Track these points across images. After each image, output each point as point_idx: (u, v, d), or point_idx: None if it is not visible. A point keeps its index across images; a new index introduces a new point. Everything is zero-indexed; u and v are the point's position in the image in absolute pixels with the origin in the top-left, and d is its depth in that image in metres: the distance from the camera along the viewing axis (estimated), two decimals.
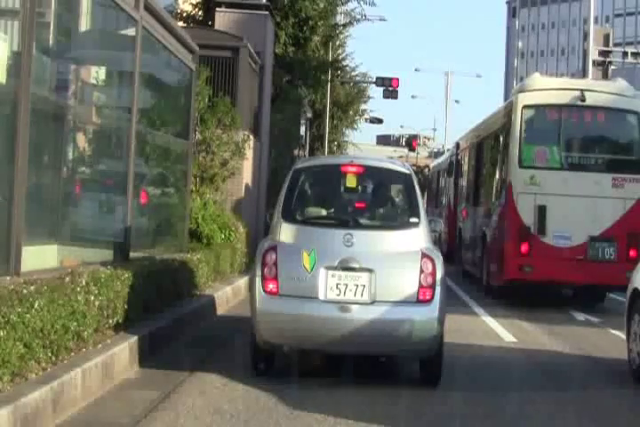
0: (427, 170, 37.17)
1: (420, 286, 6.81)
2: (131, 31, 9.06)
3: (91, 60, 9.17)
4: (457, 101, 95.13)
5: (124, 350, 6.85)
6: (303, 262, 6.83)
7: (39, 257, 7.18)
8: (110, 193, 9.47)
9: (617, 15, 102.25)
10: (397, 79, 32.78)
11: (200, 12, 20.49)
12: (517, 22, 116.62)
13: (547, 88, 13.97)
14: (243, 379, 6.97)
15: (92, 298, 6.54)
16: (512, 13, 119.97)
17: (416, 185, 7.62)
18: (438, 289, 6.85)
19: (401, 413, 6.29)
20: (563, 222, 13.20)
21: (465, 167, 20.70)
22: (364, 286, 6.79)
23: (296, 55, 21.38)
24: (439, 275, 6.90)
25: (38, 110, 6.81)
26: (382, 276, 6.81)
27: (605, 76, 25.63)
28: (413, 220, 7.34)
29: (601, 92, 13.81)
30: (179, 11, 21.08)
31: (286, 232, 7.19)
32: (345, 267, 6.82)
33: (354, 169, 7.63)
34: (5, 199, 6.29)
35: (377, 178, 8.00)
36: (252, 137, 16.32)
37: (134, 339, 7.17)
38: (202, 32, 16.19)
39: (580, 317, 12.83)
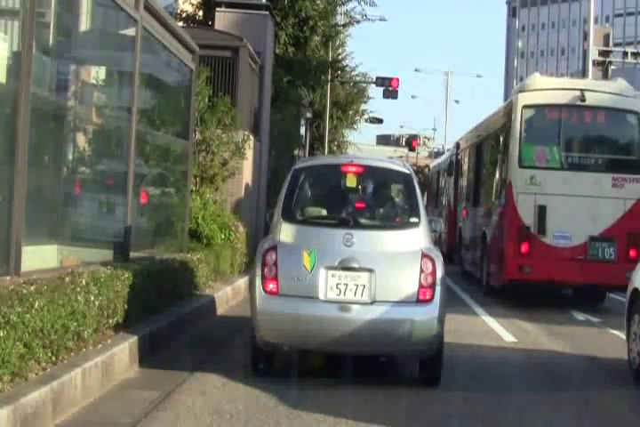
0: (427, 170, 37.18)
1: (420, 286, 6.81)
2: (131, 31, 9.06)
3: (91, 60, 9.17)
4: (457, 101, 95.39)
5: (123, 350, 6.85)
6: (303, 262, 6.83)
7: (39, 257, 7.18)
8: (110, 193, 9.47)
9: (617, 15, 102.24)
10: (397, 79, 32.74)
11: (200, 12, 20.51)
12: (517, 22, 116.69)
13: (547, 88, 13.97)
14: (243, 379, 6.97)
15: (92, 298, 6.54)
16: (512, 13, 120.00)
17: (416, 185, 7.62)
18: (438, 289, 6.86)
19: (401, 413, 6.29)
20: (563, 222, 13.20)
21: (465, 167, 20.70)
22: (364, 285, 6.79)
23: (296, 55, 21.38)
24: (439, 275, 6.90)
25: (38, 110, 6.80)
26: (382, 276, 6.81)
27: (605, 76, 25.62)
28: (413, 220, 7.34)
29: (601, 92, 13.81)
30: (179, 11, 21.11)
31: (286, 232, 7.19)
32: (345, 267, 6.82)
33: (354, 169, 7.63)
34: (5, 199, 6.29)
35: (377, 178, 8.00)
36: (251, 137, 16.31)
37: (134, 339, 7.17)
38: (202, 32, 16.19)
39: (580, 317, 12.83)
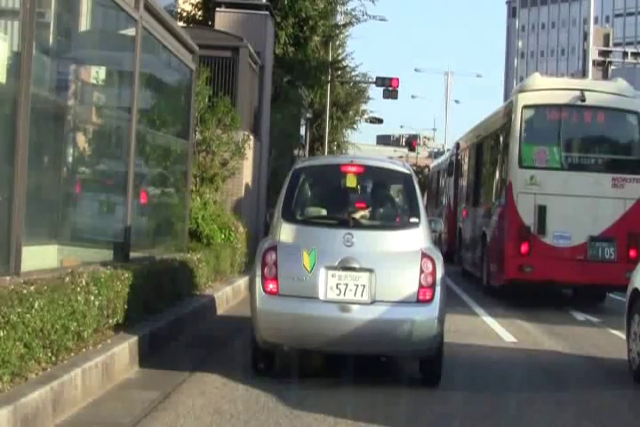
0: (427, 170, 37.18)
1: (420, 286, 6.81)
2: (131, 31, 9.05)
3: (91, 60, 9.17)
4: (457, 101, 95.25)
5: (123, 350, 6.85)
6: (303, 262, 6.83)
7: (39, 257, 7.18)
8: (110, 193, 9.47)
9: (617, 15, 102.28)
10: (397, 79, 32.73)
11: (200, 12, 20.50)
12: (517, 22, 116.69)
13: (547, 88, 13.98)
14: (243, 379, 6.97)
15: (92, 298, 6.54)
16: (512, 13, 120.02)
17: (416, 185, 7.61)
18: (438, 289, 6.85)
19: (401, 413, 6.29)
20: (563, 222, 13.20)
21: (465, 167, 20.71)
22: (364, 285, 6.79)
23: (296, 55, 21.37)
24: (439, 275, 6.90)
25: (38, 110, 6.80)
26: (382, 276, 6.81)
27: (605, 76, 25.65)
28: (413, 220, 7.34)
29: (601, 92, 13.81)
30: (179, 11, 21.11)
31: (286, 232, 7.19)
32: (345, 267, 6.82)
33: (354, 169, 7.63)
34: (5, 199, 6.29)
35: (377, 178, 8.00)
36: (251, 137, 16.31)
37: (134, 339, 7.17)
38: (202, 32, 16.20)
39: (580, 317, 12.83)
